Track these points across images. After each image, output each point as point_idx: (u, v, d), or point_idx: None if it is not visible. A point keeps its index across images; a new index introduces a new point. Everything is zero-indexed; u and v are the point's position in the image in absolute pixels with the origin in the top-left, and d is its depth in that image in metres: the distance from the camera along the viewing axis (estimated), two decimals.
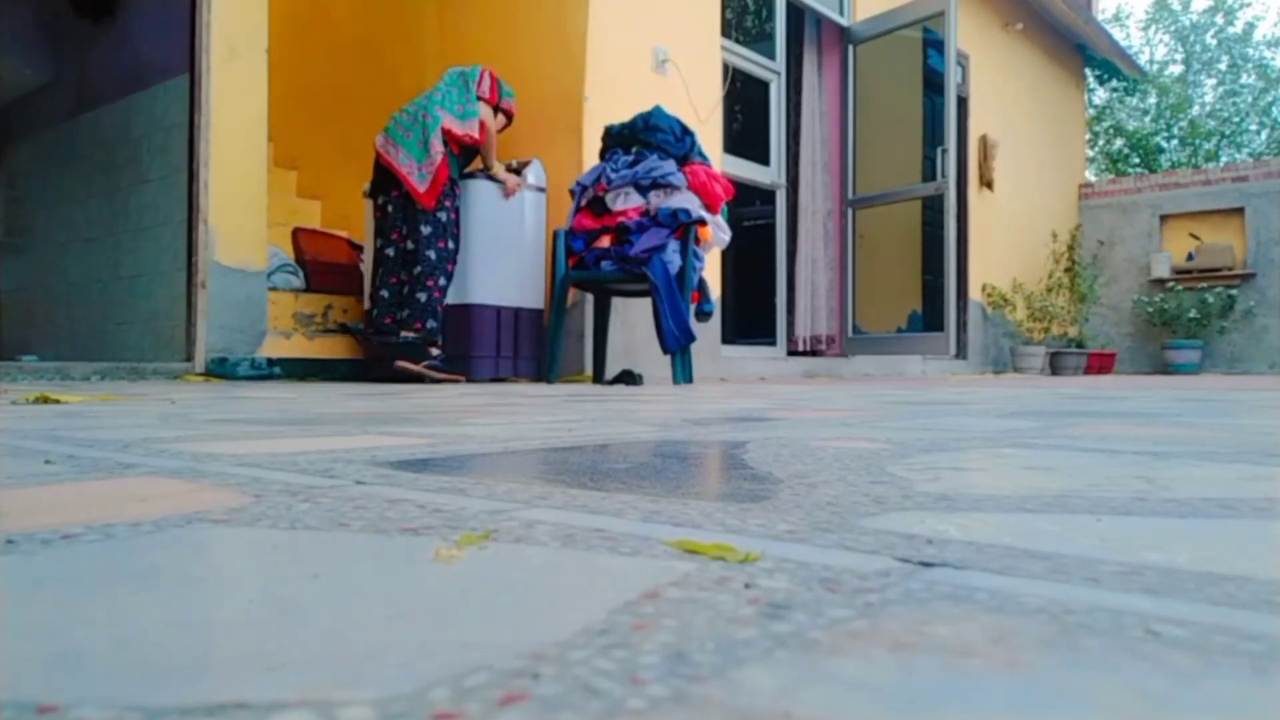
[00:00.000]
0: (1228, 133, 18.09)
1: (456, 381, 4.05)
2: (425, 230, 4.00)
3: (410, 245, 4.05)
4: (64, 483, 0.79)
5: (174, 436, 1.22)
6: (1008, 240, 9.19)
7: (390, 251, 4.09)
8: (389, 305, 4.04)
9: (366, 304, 4.38)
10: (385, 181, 4.12)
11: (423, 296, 3.98)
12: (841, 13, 6.96)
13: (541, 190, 4.49)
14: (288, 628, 0.37)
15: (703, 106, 5.38)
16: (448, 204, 4.06)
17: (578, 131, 4.63)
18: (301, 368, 4.35)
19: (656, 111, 4.21)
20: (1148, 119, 17.09)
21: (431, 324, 4.00)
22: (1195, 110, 17.79)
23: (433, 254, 4.00)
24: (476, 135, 4.14)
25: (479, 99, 4.20)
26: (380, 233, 4.15)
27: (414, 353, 4.00)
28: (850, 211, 7.00)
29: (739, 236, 5.81)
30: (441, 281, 4.02)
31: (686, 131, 4.23)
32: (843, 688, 0.30)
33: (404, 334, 3.98)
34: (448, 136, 4.06)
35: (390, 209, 4.10)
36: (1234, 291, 9.95)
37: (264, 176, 4.38)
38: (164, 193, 4.43)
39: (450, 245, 4.07)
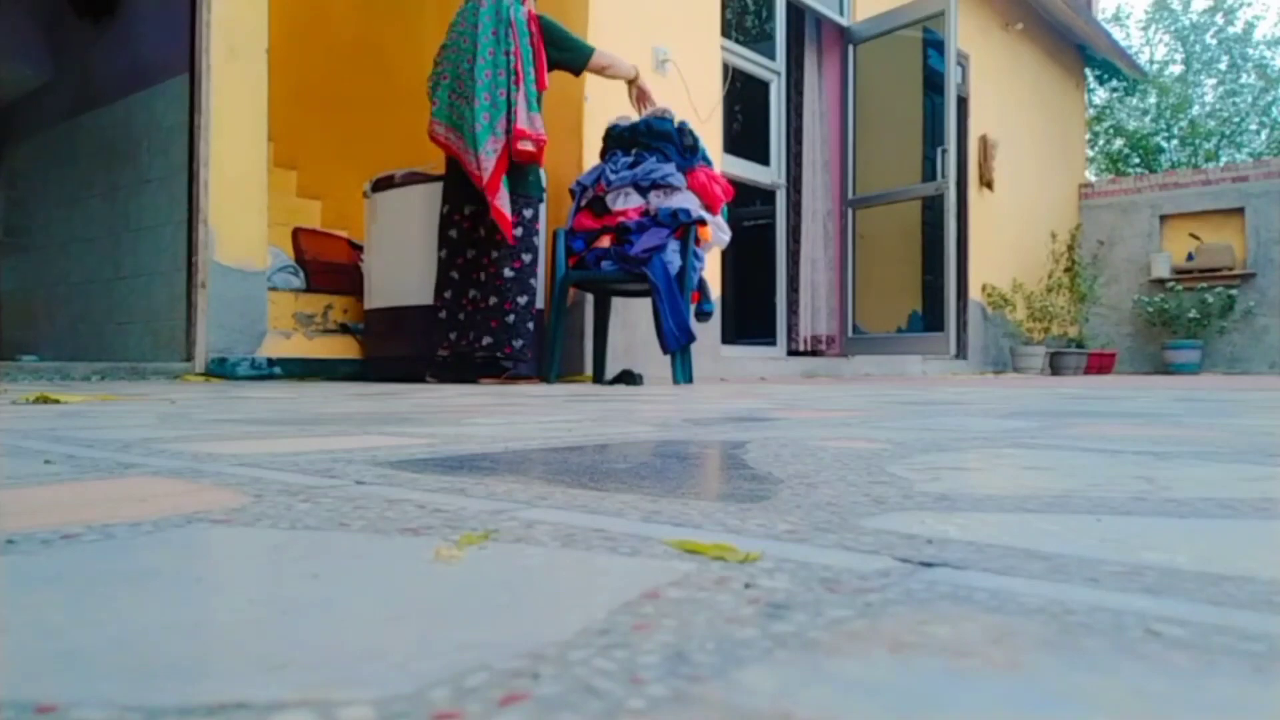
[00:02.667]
0: (1228, 133, 18.09)
1: (533, 382, 3.98)
2: (501, 250, 3.85)
3: (486, 262, 3.88)
4: (64, 483, 0.79)
5: (174, 436, 1.22)
6: (1008, 240, 9.19)
7: (466, 269, 3.91)
8: (463, 325, 3.88)
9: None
10: (466, 188, 3.87)
11: (511, 318, 3.84)
12: (841, 13, 6.96)
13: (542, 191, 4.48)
14: (288, 628, 0.37)
15: (703, 106, 5.38)
16: (517, 231, 3.86)
17: (578, 132, 4.63)
18: (301, 368, 4.35)
19: (660, 121, 4.20)
20: (1148, 119, 17.10)
21: (518, 343, 3.86)
22: (1195, 110, 17.80)
23: (509, 271, 3.84)
24: (541, 139, 3.81)
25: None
26: (455, 245, 3.94)
27: (492, 367, 3.93)
28: (850, 211, 7.00)
29: (739, 236, 5.82)
30: (523, 300, 3.87)
31: (694, 146, 4.19)
32: (843, 688, 0.30)
33: (494, 355, 3.84)
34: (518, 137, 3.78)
35: (474, 220, 3.91)
36: (1234, 291, 9.95)
37: (264, 176, 4.38)
38: (164, 193, 4.43)
39: (528, 259, 3.89)
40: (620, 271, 3.98)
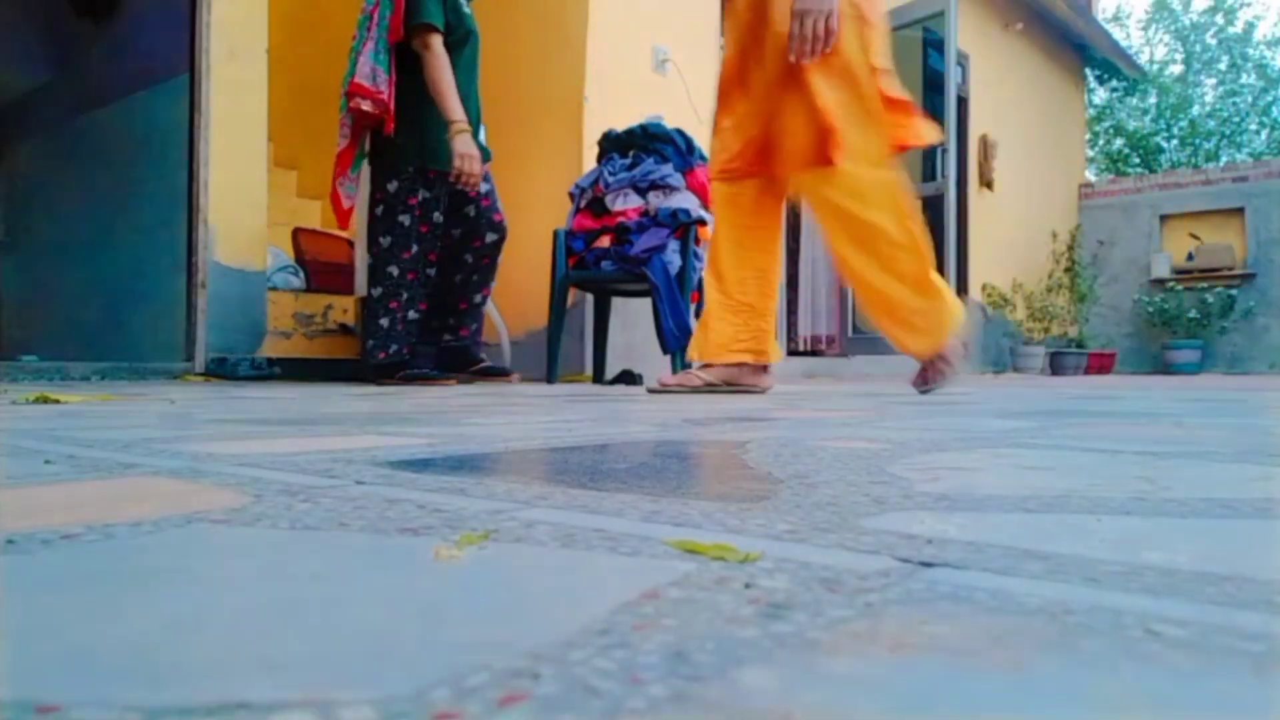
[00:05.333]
0: (1228, 133, 18.07)
1: (447, 384, 3.60)
2: (379, 243, 3.42)
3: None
4: (63, 483, 0.79)
5: (174, 436, 1.22)
6: (1008, 240, 9.20)
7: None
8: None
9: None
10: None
11: (385, 321, 3.41)
12: None
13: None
14: (288, 628, 0.37)
15: (703, 107, 5.38)
16: (379, 210, 3.38)
17: (578, 132, 4.63)
18: (301, 368, 4.35)
19: (657, 125, 4.20)
20: (1148, 119, 17.09)
21: (394, 347, 3.41)
22: (1195, 110, 17.78)
23: (394, 270, 3.40)
24: (384, 94, 3.14)
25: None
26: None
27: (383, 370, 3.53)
28: None
29: None
30: (404, 296, 3.41)
31: (691, 147, 4.20)
32: (843, 688, 0.30)
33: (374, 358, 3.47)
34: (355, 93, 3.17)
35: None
36: (1234, 291, 9.96)
37: (264, 176, 4.38)
38: (164, 193, 4.43)
39: (385, 242, 3.35)
40: (620, 271, 3.98)
